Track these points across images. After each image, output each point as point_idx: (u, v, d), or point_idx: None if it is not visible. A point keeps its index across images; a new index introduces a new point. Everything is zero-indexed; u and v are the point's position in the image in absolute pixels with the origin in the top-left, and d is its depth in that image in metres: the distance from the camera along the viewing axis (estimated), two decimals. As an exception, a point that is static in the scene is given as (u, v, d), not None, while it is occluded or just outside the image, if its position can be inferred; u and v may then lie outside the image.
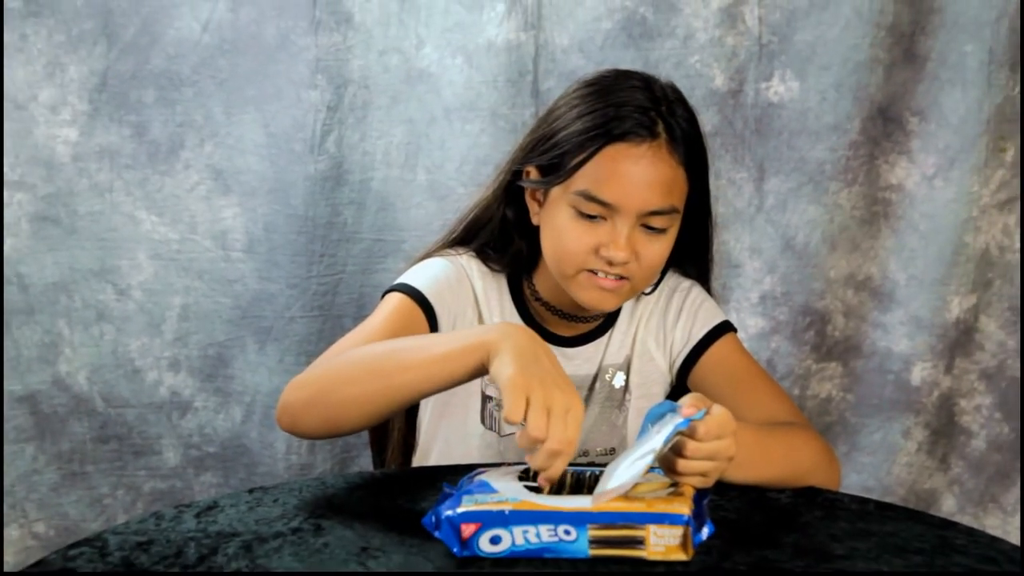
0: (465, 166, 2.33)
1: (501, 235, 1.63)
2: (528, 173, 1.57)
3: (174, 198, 2.36)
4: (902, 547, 1.21)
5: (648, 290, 1.67)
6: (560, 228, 1.52)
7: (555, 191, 1.52)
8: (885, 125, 2.29)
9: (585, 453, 1.65)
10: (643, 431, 1.27)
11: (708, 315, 1.66)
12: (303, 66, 2.32)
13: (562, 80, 2.31)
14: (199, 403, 2.41)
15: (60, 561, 1.17)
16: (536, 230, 1.58)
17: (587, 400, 1.64)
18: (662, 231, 1.50)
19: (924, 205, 2.30)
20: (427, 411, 1.70)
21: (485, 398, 1.61)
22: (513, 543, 1.17)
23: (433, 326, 1.55)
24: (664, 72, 2.27)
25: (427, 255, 1.66)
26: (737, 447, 1.29)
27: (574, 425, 1.20)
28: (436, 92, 2.33)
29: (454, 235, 1.67)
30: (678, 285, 1.69)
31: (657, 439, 1.21)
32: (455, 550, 1.17)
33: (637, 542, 1.16)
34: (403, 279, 1.60)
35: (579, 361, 1.64)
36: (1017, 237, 2.32)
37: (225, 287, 2.38)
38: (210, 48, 2.32)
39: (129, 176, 2.35)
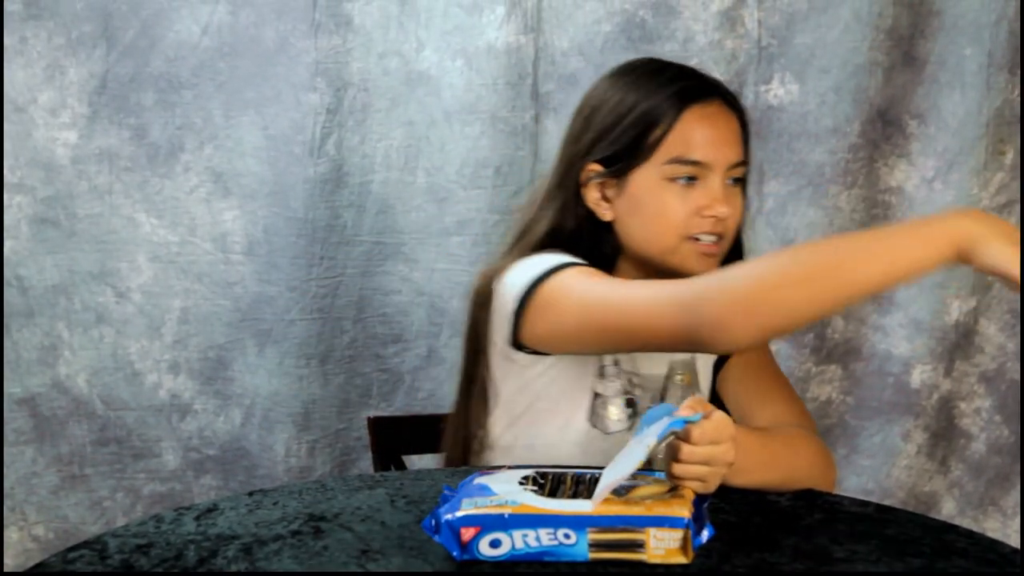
0: (465, 168, 2.33)
1: (574, 241, 1.59)
2: (588, 173, 1.57)
3: (174, 200, 2.36)
4: (902, 550, 1.21)
5: None
6: (655, 202, 1.53)
7: (636, 174, 1.54)
8: (884, 128, 2.29)
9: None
10: (639, 431, 1.27)
11: None
12: (303, 69, 2.32)
13: (562, 83, 2.32)
14: (199, 406, 2.41)
15: (60, 564, 1.17)
16: (603, 229, 1.58)
17: (663, 399, 1.63)
18: (740, 182, 1.57)
19: (923, 208, 2.30)
20: (498, 408, 1.65)
21: (595, 395, 1.60)
22: (513, 547, 1.16)
23: None
24: (664, 75, 2.29)
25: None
26: (739, 453, 1.29)
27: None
28: (436, 95, 2.33)
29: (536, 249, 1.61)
30: None
31: (651, 436, 1.21)
32: (455, 554, 1.17)
33: (637, 545, 1.16)
34: (548, 264, 1.52)
35: (658, 359, 1.62)
36: (1016, 240, 2.32)
37: (225, 290, 2.38)
38: (209, 51, 2.32)
39: (128, 179, 2.35)
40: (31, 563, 2.33)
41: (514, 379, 1.58)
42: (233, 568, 1.16)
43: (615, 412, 1.58)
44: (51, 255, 2.36)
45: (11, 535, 2.41)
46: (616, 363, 1.56)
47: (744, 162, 1.56)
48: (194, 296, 2.38)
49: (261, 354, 2.39)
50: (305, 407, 2.39)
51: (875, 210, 2.32)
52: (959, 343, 2.38)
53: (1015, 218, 2.31)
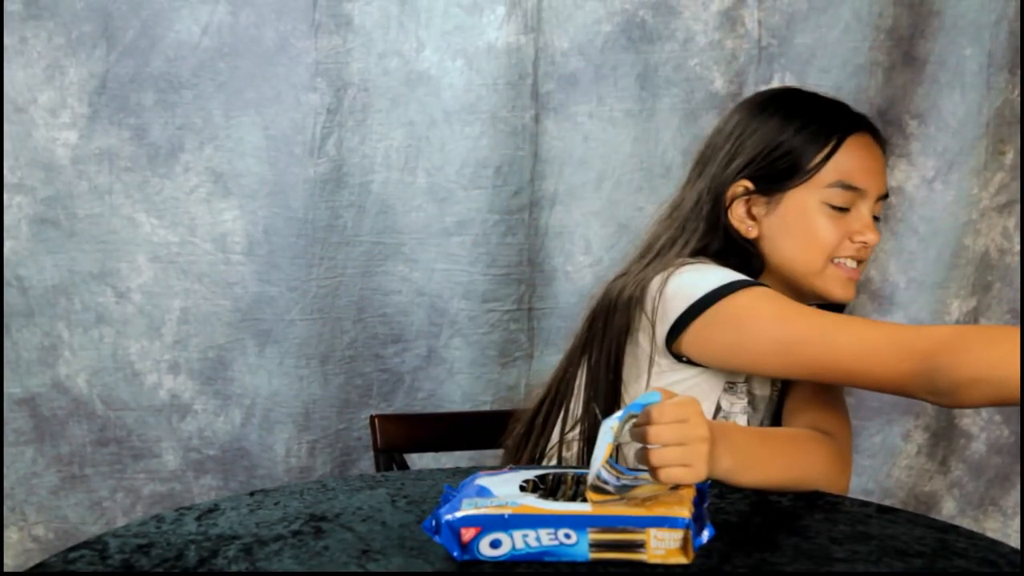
0: (465, 169, 2.33)
1: (722, 256, 1.61)
2: (735, 191, 1.61)
3: (173, 201, 2.36)
4: (903, 550, 1.21)
5: None
6: (809, 224, 1.59)
7: (792, 195, 1.59)
8: (884, 128, 2.28)
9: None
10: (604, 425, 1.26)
11: None
12: (303, 69, 2.32)
13: (562, 83, 2.32)
14: (199, 406, 2.41)
15: (60, 564, 1.17)
16: (746, 245, 1.61)
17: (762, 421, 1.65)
18: (878, 217, 1.63)
19: (924, 208, 2.30)
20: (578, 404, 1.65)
21: (718, 408, 1.59)
22: (513, 547, 1.16)
23: None
24: (664, 75, 2.29)
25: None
26: (735, 449, 1.30)
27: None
28: (436, 95, 2.33)
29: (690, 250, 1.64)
30: None
31: (612, 419, 1.21)
32: (455, 554, 1.17)
33: (637, 545, 1.16)
34: (727, 278, 1.52)
35: (764, 380, 1.64)
36: (1017, 240, 2.32)
37: (225, 290, 2.38)
38: (209, 51, 2.32)
39: (128, 179, 2.35)
40: (31, 563, 2.33)
41: (647, 382, 1.58)
42: (234, 568, 1.16)
43: None
44: (51, 255, 2.36)
45: (11, 535, 2.40)
46: (746, 380, 1.59)
47: (887, 195, 1.63)
48: (194, 296, 2.38)
49: (261, 354, 2.39)
50: (305, 407, 2.39)
51: (875, 210, 2.33)
52: (959, 343, 2.37)
53: (1015, 218, 2.31)
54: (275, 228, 2.36)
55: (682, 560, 1.16)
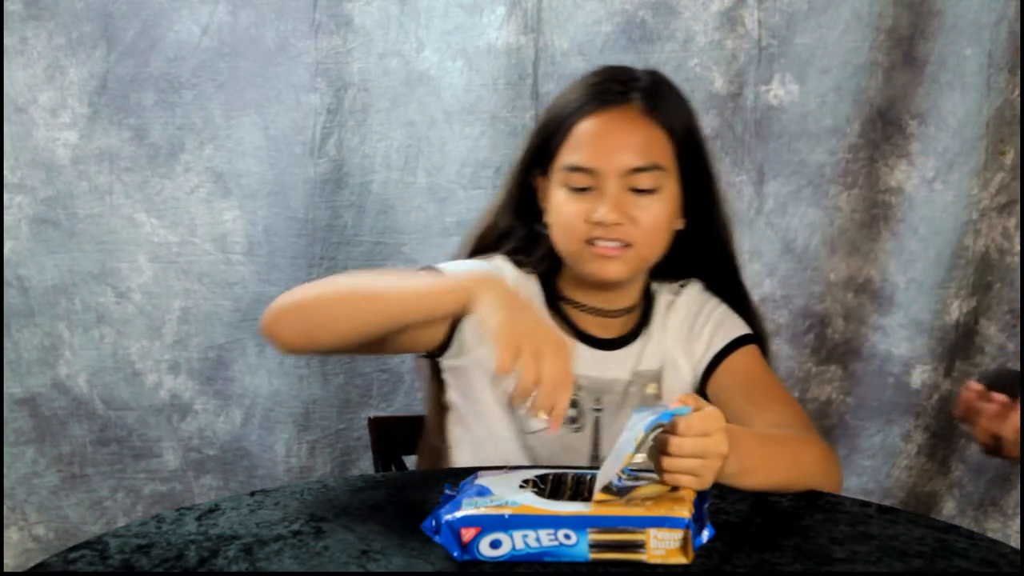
0: (465, 169, 2.33)
1: (527, 237, 1.66)
2: (534, 173, 1.63)
3: (174, 201, 2.36)
4: (903, 550, 1.21)
5: (672, 298, 1.69)
6: (556, 208, 1.58)
7: (547, 181, 1.60)
8: (884, 128, 2.29)
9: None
10: (630, 427, 1.26)
11: (732, 327, 1.67)
12: (303, 69, 2.32)
13: (562, 83, 2.29)
14: (199, 406, 2.41)
15: (60, 564, 1.18)
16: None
17: (620, 405, 1.64)
18: (651, 192, 1.55)
19: (923, 208, 2.30)
20: (452, 417, 1.68)
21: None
22: (513, 547, 1.17)
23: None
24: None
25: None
26: (740, 454, 1.29)
27: (565, 359, 1.27)
28: (436, 95, 2.33)
29: (475, 247, 1.70)
30: (708, 300, 1.70)
31: (638, 429, 1.21)
32: (455, 554, 1.17)
33: (637, 546, 1.16)
34: (437, 266, 1.62)
35: (610, 365, 1.64)
36: (1017, 240, 2.32)
37: (225, 290, 2.38)
38: (210, 51, 2.32)
39: (129, 179, 2.35)
40: (31, 563, 2.33)
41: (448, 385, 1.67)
42: (234, 568, 1.16)
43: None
44: (51, 255, 2.36)
45: (11, 535, 2.41)
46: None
47: (650, 167, 1.55)
48: (194, 296, 2.38)
49: (261, 354, 2.39)
50: (305, 407, 2.39)
51: (875, 210, 2.32)
52: (959, 343, 2.37)
53: (1015, 218, 2.31)
54: (275, 228, 2.36)
55: (682, 560, 1.16)
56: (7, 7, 2.28)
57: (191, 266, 2.37)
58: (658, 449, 1.24)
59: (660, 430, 1.23)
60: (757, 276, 2.35)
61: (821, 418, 2.42)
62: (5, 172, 2.33)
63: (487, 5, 2.30)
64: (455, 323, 1.56)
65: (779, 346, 2.37)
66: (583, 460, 1.60)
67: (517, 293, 1.38)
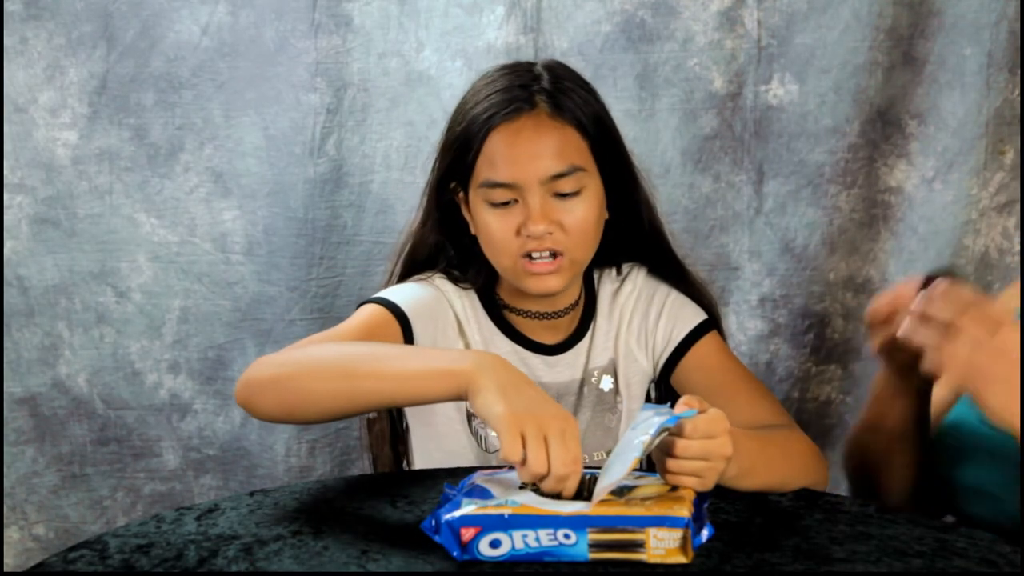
0: (465, 169, 2.33)
1: (459, 252, 1.64)
2: (452, 185, 1.59)
3: (173, 201, 2.36)
4: (902, 550, 1.21)
5: (616, 285, 1.69)
6: (484, 226, 1.54)
7: (471, 194, 1.55)
8: (884, 128, 2.29)
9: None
10: (633, 428, 1.27)
11: (689, 315, 1.66)
12: (302, 69, 2.32)
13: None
14: (199, 405, 2.41)
15: (60, 564, 1.18)
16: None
17: (576, 406, 1.64)
18: (575, 194, 1.52)
19: (923, 208, 2.30)
20: (410, 423, 1.69)
21: (470, 415, 1.61)
22: (513, 547, 1.17)
23: (409, 342, 1.53)
24: (663, 75, 2.29)
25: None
26: (740, 456, 1.29)
27: (574, 443, 1.21)
28: (435, 95, 2.33)
29: (408, 265, 1.68)
30: (657, 288, 1.69)
31: (645, 434, 1.21)
32: (455, 554, 1.17)
33: (637, 545, 1.16)
34: (379, 295, 1.60)
35: (562, 368, 1.64)
36: (1017, 240, 2.32)
37: (225, 290, 2.38)
38: (209, 51, 2.32)
39: (129, 179, 2.35)
40: (31, 563, 2.33)
41: None
42: (233, 568, 1.16)
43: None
44: (51, 255, 2.36)
45: (12, 535, 2.41)
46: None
47: (569, 171, 1.51)
48: (194, 296, 2.38)
49: (261, 354, 2.38)
50: (305, 407, 2.38)
51: (875, 210, 2.32)
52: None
53: (1015, 218, 2.31)
54: (275, 228, 2.36)
55: (682, 560, 1.16)
56: (7, 7, 2.28)
57: (191, 266, 2.37)
58: (662, 450, 1.24)
59: (667, 433, 1.24)
60: (756, 276, 2.35)
61: (821, 418, 2.42)
62: (5, 172, 2.33)
63: (487, 5, 2.30)
64: None
65: (778, 346, 2.37)
66: None
67: (516, 372, 1.31)
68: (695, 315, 1.66)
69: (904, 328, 1.32)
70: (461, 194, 1.58)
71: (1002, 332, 1.27)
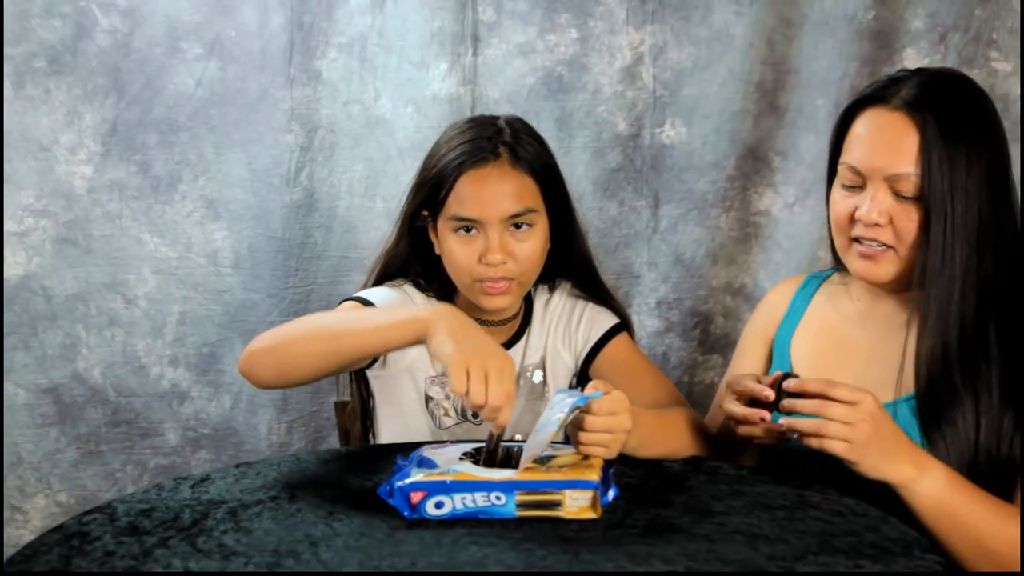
0: (415, 196, 2.32)
1: (426, 266, 1.64)
2: (423, 212, 1.60)
3: (173, 223, 2.33)
4: (768, 504, 1.23)
5: (547, 297, 1.69)
6: (449, 251, 1.56)
7: (440, 222, 1.56)
8: (755, 163, 2.31)
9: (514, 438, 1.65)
10: (550, 408, 1.27)
11: (604, 320, 1.68)
12: (280, 115, 2.30)
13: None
14: (195, 393, 2.38)
15: (76, 525, 1.16)
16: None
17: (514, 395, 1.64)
18: (528, 227, 1.54)
19: (786, 227, 2.32)
20: (377, 403, 1.69)
21: (427, 399, 1.62)
22: (454, 507, 1.17)
23: None
24: (577, 119, 2.29)
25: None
26: (642, 430, 1.31)
27: (509, 381, 1.24)
28: (391, 135, 2.32)
29: (382, 274, 1.67)
30: (579, 299, 1.71)
31: (561, 411, 1.22)
32: (406, 514, 1.17)
33: (555, 504, 1.16)
34: (357, 294, 1.61)
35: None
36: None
37: (216, 297, 2.35)
38: (203, 100, 2.29)
39: (136, 205, 2.32)
40: (55, 524, 2.30)
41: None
42: (222, 527, 1.15)
43: (451, 412, 1.63)
44: (71, 269, 2.32)
45: (39, 501, 2.37)
46: (443, 373, 1.58)
47: (524, 211, 1.53)
48: (191, 302, 2.35)
49: (247, 350, 2.37)
50: (284, 393, 2.36)
51: (748, 229, 2.34)
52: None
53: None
54: (258, 245, 2.34)
55: (592, 515, 1.16)
56: (34, 63, 2.25)
57: (188, 277, 2.34)
58: (575, 425, 1.25)
59: (578, 412, 1.24)
60: (654, 283, 2.36)
61: (706, 398, 2.41)
62: (31, 201, 2.30)
63: (432, 62, 2.29)
64: None
65: (672, 340, 2.38)
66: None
67: (466, 319, 1.33)
68: (609, 319, 1.68)
69: (785, 421, 1.30)
70: (431, 222, 1.59)
71: (863, 401, 1.26)
